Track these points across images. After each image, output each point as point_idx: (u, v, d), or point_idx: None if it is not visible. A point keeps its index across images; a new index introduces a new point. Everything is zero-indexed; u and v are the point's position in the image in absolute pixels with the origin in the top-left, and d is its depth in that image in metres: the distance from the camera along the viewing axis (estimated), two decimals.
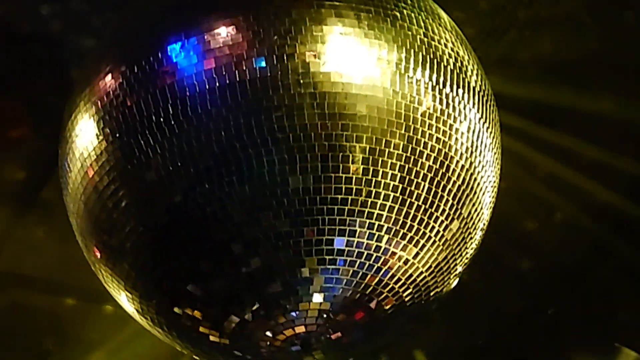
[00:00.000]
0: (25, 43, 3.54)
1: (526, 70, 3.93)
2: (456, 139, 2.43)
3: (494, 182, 2.66)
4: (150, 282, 2.46)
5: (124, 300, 2.58)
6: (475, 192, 2.52)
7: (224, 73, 2.27)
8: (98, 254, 2.54)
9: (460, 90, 2.45)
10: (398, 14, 2.42)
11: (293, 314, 2.38)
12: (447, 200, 2.44)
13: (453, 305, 2.97)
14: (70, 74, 3.52)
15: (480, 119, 2.51)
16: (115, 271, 2.50)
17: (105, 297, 3.09)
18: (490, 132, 2.58)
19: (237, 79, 2.26)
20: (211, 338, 2.48)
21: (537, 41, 3.87)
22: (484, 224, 2.67)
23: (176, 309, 2.47)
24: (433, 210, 2.41)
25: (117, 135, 2.36)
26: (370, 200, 2.33)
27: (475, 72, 2.56)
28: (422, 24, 2.45)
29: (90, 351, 4.62)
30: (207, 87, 2.27)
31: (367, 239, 2.36)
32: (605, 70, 3.91)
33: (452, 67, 2.45)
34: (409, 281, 2.46)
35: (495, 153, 2.63)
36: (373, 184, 2.33)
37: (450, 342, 4.84)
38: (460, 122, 2.44)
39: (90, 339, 4.58)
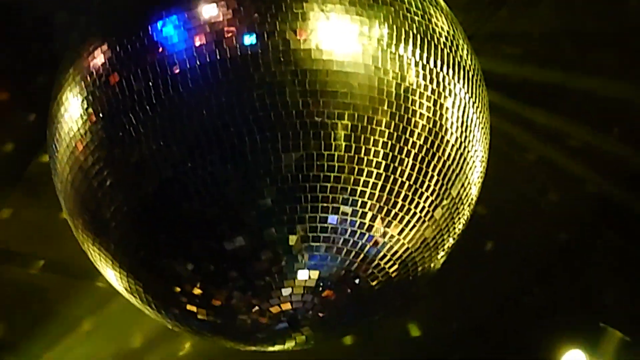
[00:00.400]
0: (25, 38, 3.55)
1: (516, 48, 3.91)
2: (441, 114, 2.42)
3: (482, 158, 2.65)
4: (137, 260, 2.48)
5: (113, 278, 2.60)
6: (463, 170, 2.51)
7: (204, 51, 2.27)
8: (85, 233, 2.55)
9: (446, 67, 2.44)
10: None
11: (279, 291, 2.39)
12: (434, 178, 2.43)
13: (443, 284, 2.97)
14: None
15: (466, 94, 2.50)
16: (102, 250, 2.52)
17: (91, 274, 3.11)
18: (479, 109, 2.58)
19: (218, 57, 2.26)
20: (199, 316, 2.49)
21: (528, 19, 3.85)
22: (473, 201, 2.67)
23: (163, 288, 2.49)
24: (419, 187, 2.41)
25: (101, 115, 2.36)
26: (354, 177, 2.33)
27: (462, 48, 2.55)
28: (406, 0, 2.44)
29: (74, 326, 4.66)
30: (188, 65, 2.27)
31: (352, 216, 2.36)
32: (597, 48, 3.89)
33: (436, 43, 2.44)
34: (395, 257, 2.47)
35: (483, 130, 2.62)
36: (357, 161, 2.32)
37: (442, 321, 4.87)
38: (445, 97, 2.43)
39: (74, 315, 4.61)
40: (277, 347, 2.59)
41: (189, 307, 2.48)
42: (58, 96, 2.52)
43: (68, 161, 2.46)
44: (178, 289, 2.45)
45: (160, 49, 2.31)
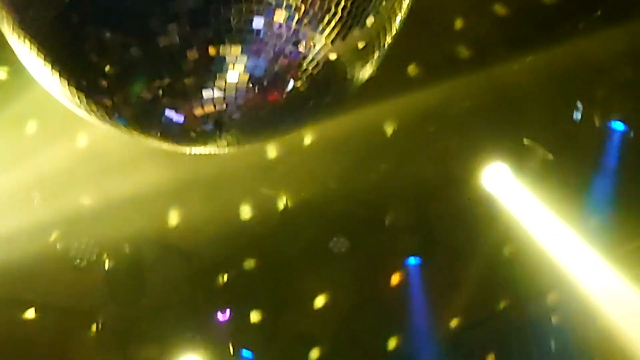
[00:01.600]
0: None
1: None
2: None
3: None
4: (64, 58, 2.47)
5: (44, 78, 2.58)
6: None
7: None
8: (12, 36, 2.53)
9: None
10: None
11: (202, 92, 2.40)
12: None
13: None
14: None
15: None
16: (32, 49, 2.50)
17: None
18: None
19: None
20: (125, 115, 2.52)
21: None
22: (403, 11, 2.61)
23: (93, 85, 2.48)
24: None
25: None
26: None
27: None
28: None
29: None
30: None
31: (279, 19, 2.34)
32: None
33: None
34: (322, 61, 2.46)
35: None
36: None
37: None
38: None
39: None
40: (209, 147, 2.62)
41: (117, 103, 2.48)
42: None
43: None
44: (106, 85, 2.44)
45: None
